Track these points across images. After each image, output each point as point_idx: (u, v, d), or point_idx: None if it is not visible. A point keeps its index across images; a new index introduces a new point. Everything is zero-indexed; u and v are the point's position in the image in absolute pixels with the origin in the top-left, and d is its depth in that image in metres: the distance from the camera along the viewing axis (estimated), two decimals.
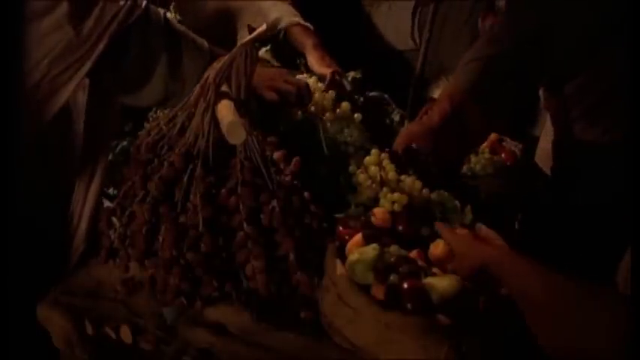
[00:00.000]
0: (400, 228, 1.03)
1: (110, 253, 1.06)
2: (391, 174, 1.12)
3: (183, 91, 1.12)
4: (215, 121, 0.99)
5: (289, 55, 1.56)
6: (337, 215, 1.07)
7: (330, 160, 1.19)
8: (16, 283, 1.06)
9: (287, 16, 1.59)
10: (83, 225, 1.15)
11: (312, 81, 1.38)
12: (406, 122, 1.49)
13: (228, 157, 1.00)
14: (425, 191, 1.11)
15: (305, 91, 1.24)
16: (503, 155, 1.37)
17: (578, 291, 0.77)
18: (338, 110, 1.30)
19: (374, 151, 1.17)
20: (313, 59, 1.51)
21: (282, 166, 1.02)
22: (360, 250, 0.93)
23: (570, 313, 0.76)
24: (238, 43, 1.02)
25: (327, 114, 1.28)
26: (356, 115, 1.30)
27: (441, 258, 0.97)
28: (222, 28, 1.58)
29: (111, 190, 1.27)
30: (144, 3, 1.10)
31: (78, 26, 1.01)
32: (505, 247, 0.92)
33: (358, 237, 0.97)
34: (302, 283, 0.97)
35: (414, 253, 0.97)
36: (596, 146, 1.32)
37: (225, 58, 1.02)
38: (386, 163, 1.14)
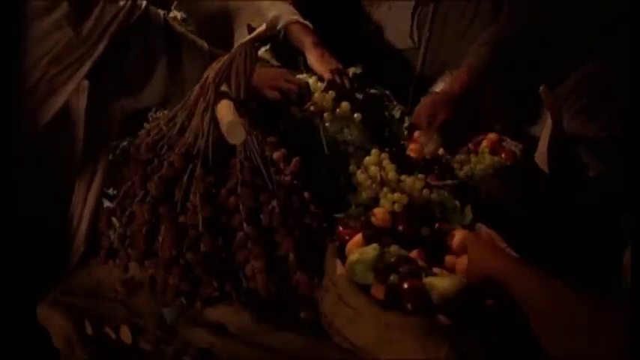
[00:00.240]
0: (400, 228, 1.03)
1: (110, 253, 1.06)
2: (391, 174, 1.12)
3: (183, 93, 1.12)
4: (215, 120, 0.99)
5: (289, 55, 1.56)
6: (337, 215, 1.07)
7: (330, 160, 1.19)
8: (16, 283, 1.06)
9: (286, 14, 1.59)
10: (83, 226, 1.15)
11: (312, 80, 1.39)
12: (406, 119, 1.49)
13: (228, 157, 1.00)
14: (425, 191, 1.11)
15: (305, 90, 1.25)
16: (503, 155, 1.37)
17: (580, 300, 0.78)
18: (338, 110, 1.30)
19: (374, 151, 1.17)
20: (313, 57, 1.51)
21: (282, 166, 1.02)
22: (360, 250, 0.93)
23: (572, 321, 0.77)
24: (237, 43, 1.02)
25: (327, 114, 1.28)
26: (356, 115, 1.30)
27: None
28: (220, 28, 1.58)
29: (111, 190, 1.27)
30: (144, 4, 1.10)
31: (78, 27, 1.01)
32: (513, 259, 0.92)
33: (358, 237, 0.97)
34: (302, 283, 0.97)
35: (414, 253, 0.97)
36: (594, 141, 1.33)
37: (225, 58, 1.02)
38: (386, 163, 1.14)
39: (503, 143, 1.43)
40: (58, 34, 1.00)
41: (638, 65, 1.16)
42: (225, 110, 0.98)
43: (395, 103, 1.53)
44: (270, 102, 1.23)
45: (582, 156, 1.36)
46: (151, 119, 1.38)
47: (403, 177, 1.12)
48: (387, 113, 1.50)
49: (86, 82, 1.07)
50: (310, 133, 1.22)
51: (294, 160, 1.02)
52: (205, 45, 1.18)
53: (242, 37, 1.12)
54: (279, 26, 1.58)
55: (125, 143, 1.36)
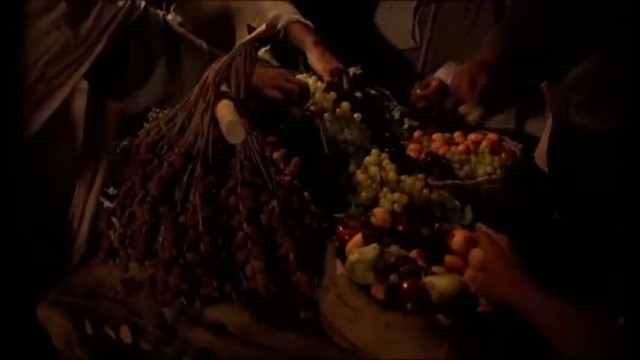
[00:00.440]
0: (400, 228, 1.03)
1: (110, 253, 1.06)
2: (391, 174, 1.12)
3: (182, 93, 1.12)
4: (215, 120, 0.99)
5: (289, 55, 1.56)
6: (337, 215, 1.07)
7: (330, 160, 1.19)
8: (17, 283, 1.06)
9: (287, 14, 1.59)
10: (85, 227, 1.15)
11: (312, 80, 1.39)
12: (406, 120, 1.49)
13: (228, 157, 1.00)
14: (425, 191, 1.11)
15: (305, 90, 1.26)
16: (503, 155, 1.37)
17: (583, 317, 0.79)
18: (338, 110, 1.30)
19: (374, 151, 1.17)
20: (314, 56, 1.51)
21: (281, 166, 1.02)
22: (360, 250, 0.93)
23: (577, 337, 0.78)
24: (237, 43, 1.02)
25: (327, 114, 1.28)
26: (356, 115, 1.30)
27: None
28: (221, 28, 1.58)
29: (111, 190, 1.27)
30: (143, 4, 1.10)
31: (76, 27, 1.01)
32: (526, 281, 0.90)
33: (358, 237, 0.97)
34: (302, 283, 0.96)
35: (413, 253, 0.97)
36: (595, 136, 1.33)
37: (225, 58, 1.02)
38: (386, 163, 1.14)
39: (503, 143, 1.43)
40: (56, 34, 1.00)
41: (639, 61, 1.16)
42: (225, 110, 0.98)
43: (395, 103, 1.53)
44: (271, 102, 1.23)
45: (583, 151, 1.36)
46: (150, 119, 1.38)
47: (403, 177, 1.12)
48: (387, 114, 1.50)
49: (85, 84, 1.07)
50: (310, 133, 1.22)
51: (294, 160, 1.02)
52: (204, 45, 1.18)
53: (244, 36, 1.12)
54: (280, 25, 1.58)
55: (125, 143, 1.36)
